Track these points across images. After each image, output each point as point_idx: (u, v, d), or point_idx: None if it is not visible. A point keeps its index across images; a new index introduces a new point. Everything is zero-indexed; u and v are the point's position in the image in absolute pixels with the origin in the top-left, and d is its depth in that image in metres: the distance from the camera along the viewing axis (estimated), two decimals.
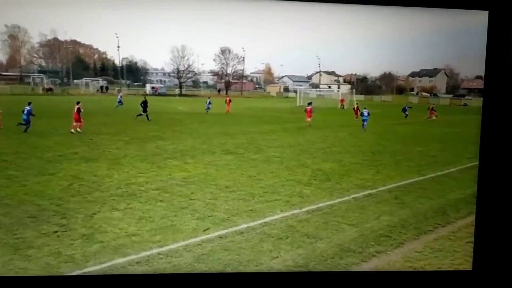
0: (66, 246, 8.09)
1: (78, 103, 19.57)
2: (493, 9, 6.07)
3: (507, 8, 6.03)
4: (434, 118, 29.83)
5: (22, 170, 12.88)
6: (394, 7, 6.27)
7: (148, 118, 23.22)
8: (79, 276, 7.13)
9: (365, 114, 24.46)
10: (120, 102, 27.66)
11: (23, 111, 18.68)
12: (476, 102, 36.11)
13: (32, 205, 10.09)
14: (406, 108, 30.56)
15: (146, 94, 31.08)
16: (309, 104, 27.68)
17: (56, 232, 8.69)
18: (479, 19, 6.21)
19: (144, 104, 23.68)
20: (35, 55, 31.00)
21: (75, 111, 19.30)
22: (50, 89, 30.56)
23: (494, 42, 6.13)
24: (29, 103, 18.95)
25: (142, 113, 23.53)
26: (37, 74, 31.16)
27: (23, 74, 31.14)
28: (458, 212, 10.63)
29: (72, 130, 19.07)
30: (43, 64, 31.56)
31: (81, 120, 19.37)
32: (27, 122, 18.62)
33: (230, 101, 29.78)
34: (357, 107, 27.51)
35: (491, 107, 6.27)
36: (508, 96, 6.18)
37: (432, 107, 30.85)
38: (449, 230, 9.52)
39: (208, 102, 28.86)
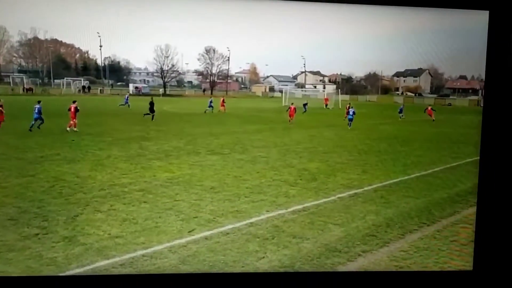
0: (47, 249, 7.90)
1: (74, 102, 19.94)
2: (493, 9, 6.09)
3: (507, 8, 6.06)
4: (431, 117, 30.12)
5: (2, 171, 12.57)
6: (390, 6, 6.27)
7: (152, 118, 23.93)
8: (63, 276, 6.97)
9: (351, 113, 25.11)
10: (127, 102, 28.26)
11: (34, 110, 19.22)
12: (460, 102, 36.60)
13: (13, 207, 9.84)
14: (402, 108, 30.89)
15: (130, 94, 30.79)
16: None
17: (37, 234, 8.49)
18: (479, 19, 6.23)
19: (151, 104, 24.58)
20: (15, 55, 30.36)
21: (72, 110, 19.63)
22: (30, 89, 29.98)
23: (495, 42, 6.16)
24: (39, 102, 19.51)
25: (149, 112, 24.20)
26: (17, 74, 30.53)
27: (2, 73, 30.48)
28: (443, 211, 10.72)
29: (68, 129, 19.28)
30: (23, 63, 30.94)
31: (75, 119, 19.69)
32: (40, 119, 19.20)
33: (224, 101, 30.15)
34: (349, 106, 28.00)
35: (492, 107, 6.30)
36: (508, 95, 6.22)
37: (431, 107, 31.07)
38: (434, 229, 9.59)
39: (210, 102, 29.40)
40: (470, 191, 11.90)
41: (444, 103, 37.91)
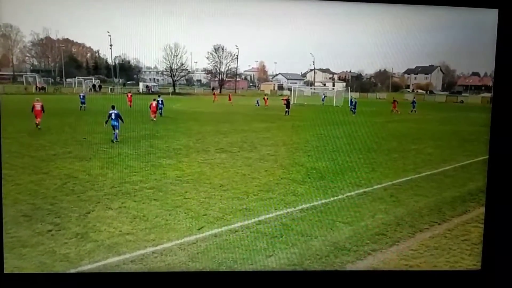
0: (60, 245, 8.04)
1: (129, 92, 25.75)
2: (503, 7, 6.03)
3: None
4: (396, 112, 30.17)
5: (16, 169, 12.76)
6: (400, 4, 6.24)
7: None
8: (74, 273, 7.08)
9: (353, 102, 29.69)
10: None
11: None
12: (473, 99, 36.13)
13: (26, 204, 10.02)
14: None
15: (139, 93, 31.03)
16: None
17: (50, 231, 8.64)
18: (491, 16, 6.17)
19: (288, 101, 28.69)
20: (28, 54, 30.68)
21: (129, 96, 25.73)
22: (42, 88, 30.32)
23: (504, 40, 6.10)
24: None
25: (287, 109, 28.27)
26: (30, 73, 30.87)
27: (15, 73, 30.83)
28: (454, 210, 10.64)
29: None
30: (36, 63, 31.28)
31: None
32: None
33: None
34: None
35: (501, 105, 6.24)
36: None
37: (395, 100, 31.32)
38: (445, 228, 9.53)
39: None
40: (481, 189, 11.76)
41: (456, 101, 37.48)
